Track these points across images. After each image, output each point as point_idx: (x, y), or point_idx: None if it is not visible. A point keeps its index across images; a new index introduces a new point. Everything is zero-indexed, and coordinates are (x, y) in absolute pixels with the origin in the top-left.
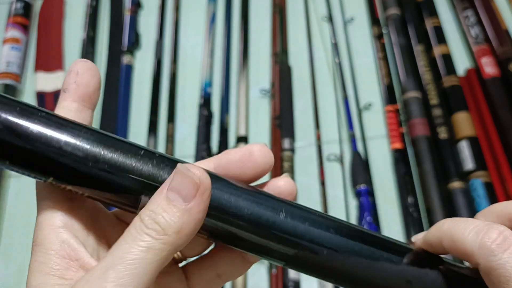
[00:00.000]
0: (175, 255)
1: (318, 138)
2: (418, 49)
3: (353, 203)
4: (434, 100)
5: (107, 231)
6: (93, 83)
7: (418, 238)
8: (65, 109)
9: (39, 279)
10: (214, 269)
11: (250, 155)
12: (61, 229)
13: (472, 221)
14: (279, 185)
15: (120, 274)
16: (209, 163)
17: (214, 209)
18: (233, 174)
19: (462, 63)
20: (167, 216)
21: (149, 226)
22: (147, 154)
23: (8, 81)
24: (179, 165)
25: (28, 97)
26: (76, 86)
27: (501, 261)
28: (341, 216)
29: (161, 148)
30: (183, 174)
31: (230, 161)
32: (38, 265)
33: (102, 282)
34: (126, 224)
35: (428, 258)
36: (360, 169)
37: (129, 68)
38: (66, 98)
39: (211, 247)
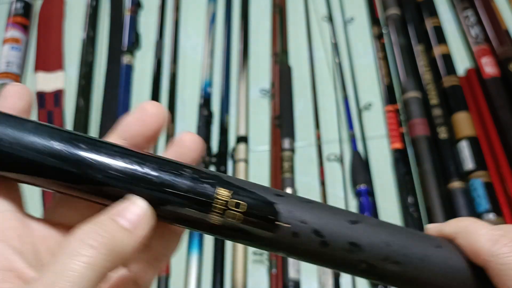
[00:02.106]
0: None
1: (318, 138)
2: (418, 49)
3: (353, 203)
4: (434, 100)
5: (44, 238)
6: (19, 105)
7: (432, 228)
8: None
9: None
10: (149, 250)
11: (143, 110)
12: None
13: (489, 225)
14: (183, 140)
15: None
16: (113, 135)
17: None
18: (134, 132)
19: (462, 63)
20: (113, 233)
21: (93, 237)
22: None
23: (8, 81)
24: (129, 195)
25: None
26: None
27: None
28: None
29: (161, 148)
30: (133, 202)
31: (129, 122)
32: None
33: None
34: (60, 227)
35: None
36: (360, 169)
37: (129, 68)
38: None
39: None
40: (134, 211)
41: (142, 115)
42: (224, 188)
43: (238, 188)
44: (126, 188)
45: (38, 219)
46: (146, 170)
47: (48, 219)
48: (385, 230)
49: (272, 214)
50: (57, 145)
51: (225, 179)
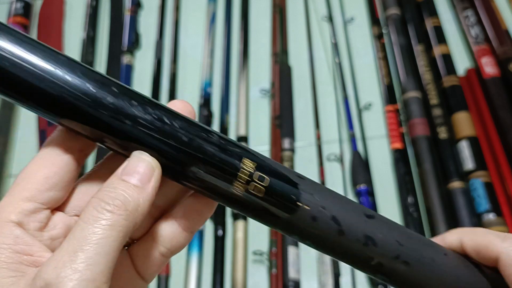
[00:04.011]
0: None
1: (318, 138)
2: (418, 49)
3: None
4: (434, 100)
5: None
6: None
7: (435, 239)
8: None
9: None
10: (157, 246)
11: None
12: (14, 225)
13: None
14: (176, 106)
15: (89, 254)
16: None
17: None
18: None
19: (462, 63)
20: (126, 193)
21: (110, 203)
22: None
23: None
24: (135, 152)
25: None
26: None
27: None
28: None
29: None
30: (139, 158)
31: None
32: None
33: (72, 264)
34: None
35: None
36: (360, 169)
37: (129, 68)
38: None
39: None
40: (142, 167)
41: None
42: (249, 159)
43: (263, 162)
44: (152, 142)
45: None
46: (176, 126)
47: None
48: (398, 230)
49: (294, 194)
50: (91, 86)
51: (250, 151)
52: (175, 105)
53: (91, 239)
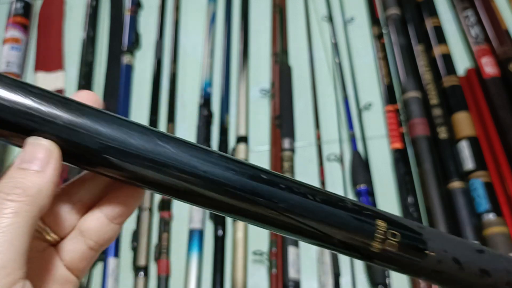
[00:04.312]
0: (51, 238)
1: (318, 138)
2: (418, 49)
3: None
4: (434, 100)
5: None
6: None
7: None
8: None
9: None
10: (85, 240)
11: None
12: None
13: None
14: (79, 96)
15: None
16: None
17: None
18: None
19: (462, 63)
20: (26, 180)
21: (10, 192)
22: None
23: None
24: (29, 138)
25: None
26: None
27: None
28: None
29: None
30: (35, 144)
31: None
32: None
33: None
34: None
35: None
36: (360, 169)
37: (129, 68)
38: None
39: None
40: (40, 152)
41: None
42: (380, 219)
43: (390, 219)
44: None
45: None
46: (317, 200)
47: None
48: (505, 259)
49: (422, 243)
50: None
51: (376, 211)
52: (80, 96)
53: None
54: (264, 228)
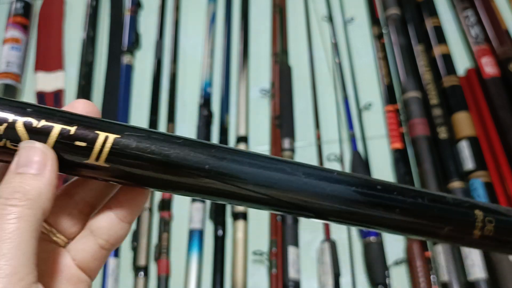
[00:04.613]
0: (59, 239)
1: (318, 138)
2: (418, 49)
3: None
4: (434, 100)
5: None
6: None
7: None
8: None
9: None
10: (95, 239)
11: (73, 107)
12: None
13: None
14: (77, 106)
15: (4, 251)
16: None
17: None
18: None
19: (462, 63)
20: (24, 184)
21: (10, 197)
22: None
23: (8, 81)
24: (22, 142)
25: (28, 97)
26: None
27: None
28: None
29: None
30: (29, 148)
31: None
32: None
33: None
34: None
35: None
36: (360, 169)
37: (129, 68)
38: None
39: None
40: (35, 155)
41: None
42: (477, 209)
43: (484, 208)
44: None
45: None
46: (426, 201)
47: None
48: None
49: None
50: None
51: (473, 202)
52: (78, 106)
53: (2, 236)
54: (397, 234)
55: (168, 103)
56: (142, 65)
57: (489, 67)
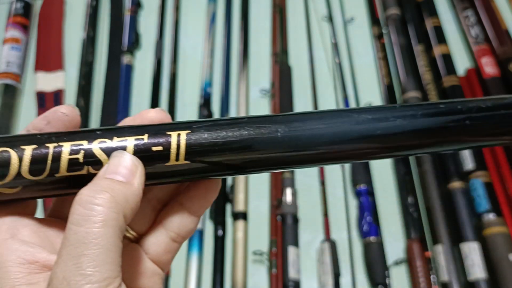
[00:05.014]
0: (130, 235)
1: None
2: (418, 49)
3: (353, 203)
4: (434, 100)
5: (56, 233)
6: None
7: None
8: None
9: None
10: (167, 232)
11: (55, 112)
12: (10, 240)
13: None
14: (150, 116)
15: (92, 257)
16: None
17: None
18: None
19: (462, 63)
20: (113, 187)
21: (98, 196)
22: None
23: (8, 81)
24: (114, 152)
25: (28, 97)
26: None
27: None
28: (342, 216)
29: None
30: (120, 157)
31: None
32: (3, 281)
33: (79, 270)
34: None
35: None
36: (360, 169)
37: (129, 68)
38: None
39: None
40: (125, 165)
41: (55, 116)
42: None
43: None
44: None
45: (47, 219)
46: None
47: (55, 216)
48: None
49: None
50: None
51: None
52: (146, 116)
53: (89, 241)
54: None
55: (168, 103)
56: (142, 65)
57: (489, 67)
